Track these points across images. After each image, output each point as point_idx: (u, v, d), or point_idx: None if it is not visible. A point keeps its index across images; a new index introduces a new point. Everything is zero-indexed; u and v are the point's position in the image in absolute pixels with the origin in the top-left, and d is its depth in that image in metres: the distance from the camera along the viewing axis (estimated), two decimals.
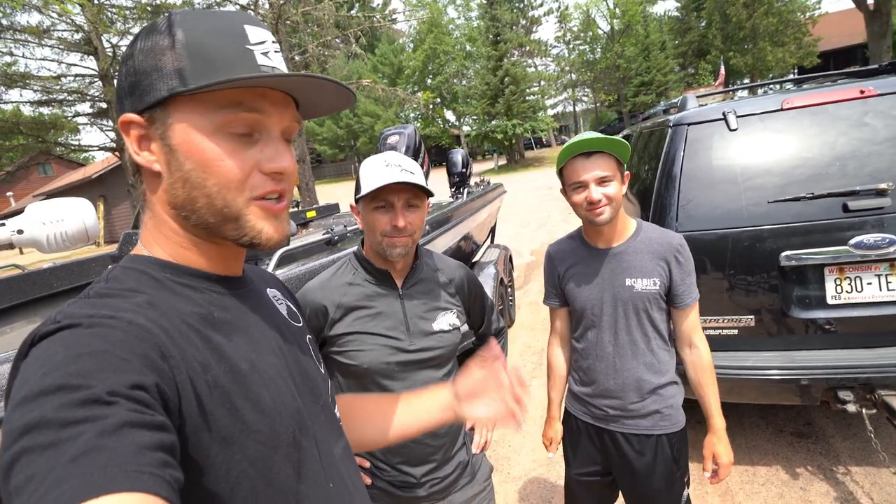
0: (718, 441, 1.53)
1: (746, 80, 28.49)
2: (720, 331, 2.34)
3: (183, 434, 0.49)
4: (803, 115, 2.29)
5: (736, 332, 2.33)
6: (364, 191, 1.23)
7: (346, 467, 0.74)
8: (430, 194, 1.29)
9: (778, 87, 4.06)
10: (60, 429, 0.39)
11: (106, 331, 0.48)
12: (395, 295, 1.33)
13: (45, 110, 14.54)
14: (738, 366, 2.27)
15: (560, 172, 1.52)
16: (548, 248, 1.73)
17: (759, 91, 3.72)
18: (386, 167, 1.21)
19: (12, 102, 14.65)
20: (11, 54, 13.13)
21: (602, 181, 1.43)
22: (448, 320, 1.36)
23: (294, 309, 0.83)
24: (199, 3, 15.44)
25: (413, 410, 0.95)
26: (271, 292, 0.78)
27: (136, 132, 0.59)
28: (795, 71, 27.24)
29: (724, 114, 2.36)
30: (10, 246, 1.90)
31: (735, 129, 2.33)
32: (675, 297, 1.51)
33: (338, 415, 0.80)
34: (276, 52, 0.62)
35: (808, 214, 2.18)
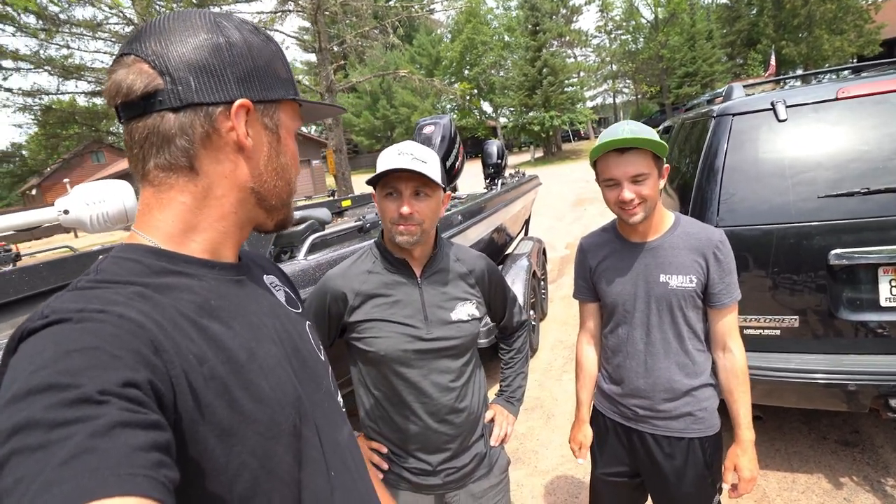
0: (743, 453, 1.44)
1: (800, 71, 27.13)
2: (761, 331, 2.24)
3: (179, 429, 0.48)
4: (861, 105, 2.15)
5: (778, 332, 2.23)
6: (374, 176, 1.24)
7: (352, 454, 0.74)
8: (438, 184, 1.28)
9: (834, 76, 3.84)
10: (50, 430, 0.38)
11: (96, 326, 0.46)
12: (413, 284, 1.33)
13: (98, 101, 15.23)
14: (780, 368, 2.18)
15: (594, 165, 1.47)
16: (580, 240, 1.68)
17: (813, 80, 3.52)
18: (398, 155, 1.22)
19: (69, 93, 15.40)
20: (68, 47, 13.78)
21: (636, 179, 1.36)
22: (467, 310, 1.36)
23: (292, 295, 0.82)
24: None
25: None
26: (268, 279, 0.78)
27: (245, 117, 0.63)
28: (855, 60, 25.72)
29: (772, 104, 2.25)
30: (59, 226, 1.99)
31: (784, 120, 2.22)
32: (711, 296, 1.44)
33: (341, 402, 0.80)
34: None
35: (863, 211, 2.06)
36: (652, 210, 1.40)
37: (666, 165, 1.42)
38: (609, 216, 1.53)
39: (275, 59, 0.67)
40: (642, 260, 1.47)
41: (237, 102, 0.61)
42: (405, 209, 1.22)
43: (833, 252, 2.09)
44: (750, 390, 1.46)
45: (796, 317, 2.19)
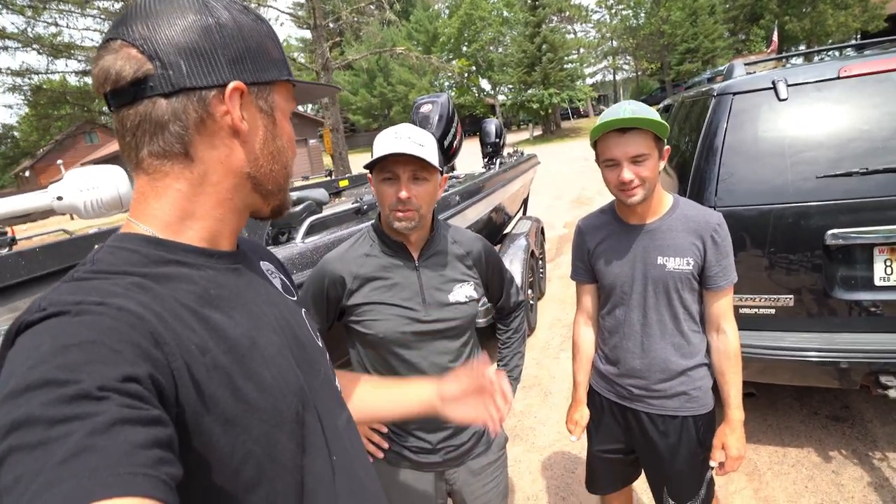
0: (731, 432, 1.47)
1: (802, 47, 26.76)
2: (757, 310, 2.27)
3: (183, 421, 0.48)
4: (863, 84, 2.13)
5: (773, 311, 2.25)
6: (371, 160, 1.23)
7: (350, 438, 0.75)
8: (436, 168, 1.28)
9: (837, 53, 3.79)
10: (49, 427, 0.37)
11: (95, 318, 0.45)
12: (411, 266, 1.34)
13: (89, 80, 14.97)
14: (774, 346, 2.21)
15: (594, 145, 1.46)
16: (578, 221, 1.68)
17: (816, 58, 3.48)
18: (396, 139, 1.20)
19: (59, 73, 15.13)
20: (56, 24, 13.49)
21: (636, 160, 1.35)
22: (465, 292, 1.37)
23: (287, 283, 0.82)
24: None
25: (392, 398, 1.01)
26: (264, 265, 0.77)
27: (239, 100, 0.61)
28: (858, 36, 25.37)
29: (773, 82, 2.23)
30: (52, 211, 1.98)
31: (785, 99, 2.20)
32: (708, 279, 1.45)
33: (338, 387, 0.81)
34: None
35: (861, 191, 2.06)
36: (651, 191, 1.40)
37: (666, 147, 1.41)
38: (609, 196, 1.52)
39: (266, 40, 0.65)
40: (640, 242, 1.48)
41: (231, 85, 0.59)
42: (403, 194, 1.21)
43: (830, 232, 2.10)
44: (742, 370, 1.49)
45: (791, 296, 2.21)
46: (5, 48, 13.40)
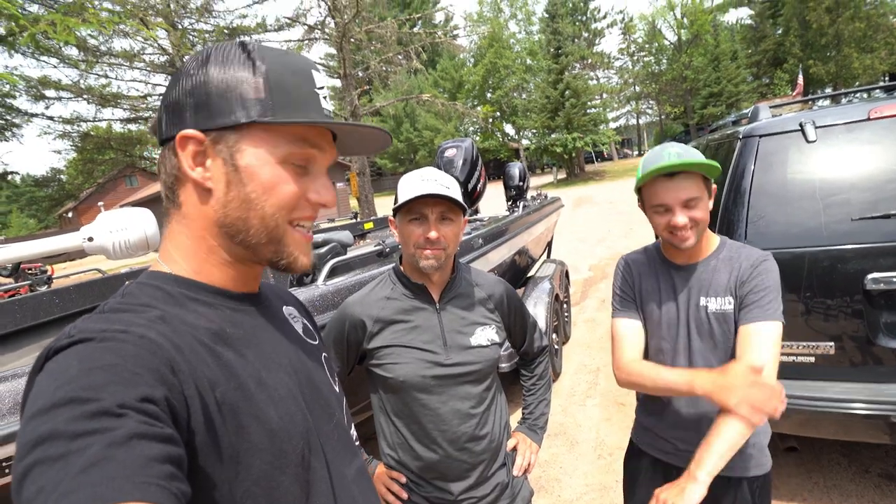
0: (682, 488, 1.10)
1: (829, 90, 26.64)
2: (795, 357, 2.15)
3: (191, 448, 0.49)
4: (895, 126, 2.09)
5: (813, 359, 2.14)
6: (399, 202, 1.24)
7: (361, 489, 0.73)
8: (464, 209, 1.30)
9: (865, 95, 3.75)
10: (70, 441, 0.39)
11: (118, 345, 0.48)
12: (432, 309, 1.32)
13: (132, 127, 15.87)
14: (816, 397, 2.08)
15: (639, 190, 1.40)
16: (622, 256, 1.59)
17: (843, 100, 3.45)
18: (422, 181, 1.22)
19: (105, 120, 16.11)
20: (106, 76, 14.45)
21: (688, 203, 1.28)
22: (486, 335, 1.34)
23: (310, 327, 0.82)
24: (270, 25, 16.37)
25: None
26: (287, 310, 0.78)
27: (194, 148, 0.60)
28: (886, 78, 25.16)
29: (801, 125, 2.20)
30: (83, 253, 2.05)
31: (814, 141, 2.16)
32: (741, 311, 1.32)
33: (353, 435, 0.79)
34: (329, 96, 0.69)
35: None
36: (703, 233, 1.35)
37: (714, 185, 1.36)
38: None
39: (245, 82, 0.60)
40: (685, 283, 1.40)
41: (179, 135, 0.60)
42: (433, 234, 1.23)
43: (870, 276, 2.01)
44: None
45: (832, 343, 2.10)
46: (59, 98, 14.37)
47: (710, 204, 1.34)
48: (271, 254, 0.64)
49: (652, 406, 1.50)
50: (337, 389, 0.78)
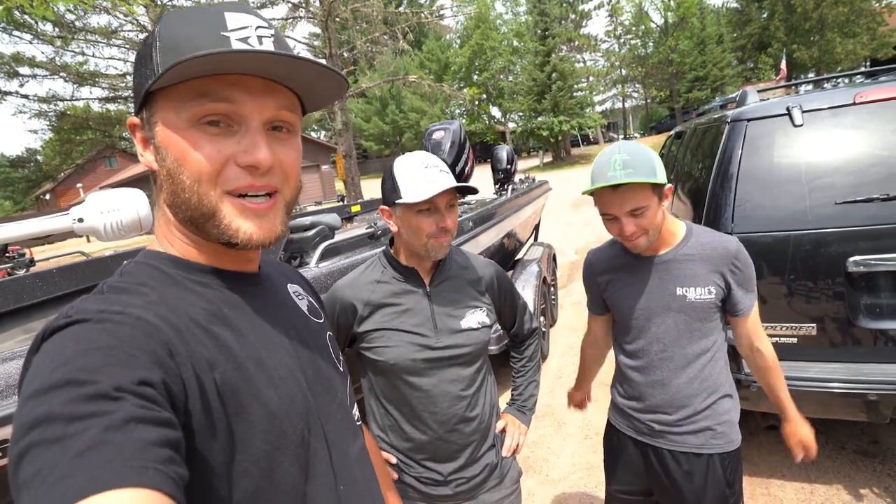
0: (802, 424, 1.51)
1: (811, 75, 26.90)
2: (778, 339, 2.20)
3: (188, 430, 0.49)
4: (883, 110, 2.12)
5: (795, 340, 2.19)
6: (411, 198, 1.20)
7: (362, 469, 0.73)
8: (474, 192, 1.32)
9: (847, 80, 3.79)
10: (67, 423, 0.39)
11: (115, 326, 0.48)
12: (422, 292, 1.32)
13: (111, 106, 15.44)
14: (797, 376, 2.13)
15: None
16: (588, 254, 1.63)
17: (827, 85, 3.48)
18: (425, 169, 1.21)
19: (83, 99, 15.65)
20: (83, 54, 14.00)
21: (633, 213, 1.30)
22: (477, 318, 1.35)
23: (315, 305, 0.81)
24: (253, 2, 15.95)
25: None
26: (292, 288, 0.77)
27: (140, 134, 0.61)
28: (867, 64, 25.46)
29: (788, 109, 2.22)
30: (72, 233, 2.01)
31: (800, 126, 2.19)
32: (733, 306, 1.40)
33: (356, 415, 0.78)
34: (263, 36, 0.57)
35: (883, 217, 2.02)
36: (656, 235, 1.37)
37: (668, 186, 1.35)
38: None
39: (148, 54, 0.57)
40: (655, 274, 1.43)
41: (128, 123, 0.62)
42: (448, 223, 1.24)
43: (851, 259, 2.05)
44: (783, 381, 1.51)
45: (813, 324, 2.16)
46: (34, 76, 13.91)
47: (666, 203, 1.36)
48: (213, 229, 0.58)
49: (627, 391, 1.54)
50: (341, 369, 0.77)
